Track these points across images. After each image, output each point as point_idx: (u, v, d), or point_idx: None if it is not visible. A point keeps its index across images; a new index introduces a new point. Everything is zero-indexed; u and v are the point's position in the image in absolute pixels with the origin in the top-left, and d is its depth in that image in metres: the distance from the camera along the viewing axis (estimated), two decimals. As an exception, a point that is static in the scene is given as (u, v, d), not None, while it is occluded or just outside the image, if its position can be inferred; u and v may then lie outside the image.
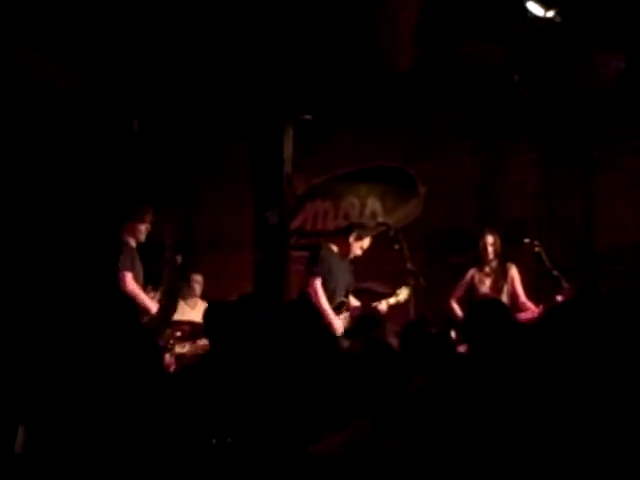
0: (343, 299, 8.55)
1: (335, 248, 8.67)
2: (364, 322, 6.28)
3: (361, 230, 8.82)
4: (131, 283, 7.96)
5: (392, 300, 8.74)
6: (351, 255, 8.67)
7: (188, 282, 9.38)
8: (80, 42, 8.52)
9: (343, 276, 8.62)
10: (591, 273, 10.31)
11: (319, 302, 8.35)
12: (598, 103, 9.50)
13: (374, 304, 8.69)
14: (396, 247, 8.86)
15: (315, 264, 8.51)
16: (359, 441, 3.11)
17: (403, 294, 8.75)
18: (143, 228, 8.23)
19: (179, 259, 8.73)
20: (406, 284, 8.75)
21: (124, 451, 3.61)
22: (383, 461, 3.02)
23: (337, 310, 8.41)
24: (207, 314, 5.68)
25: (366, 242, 8.71)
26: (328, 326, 8.18)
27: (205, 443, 4.23)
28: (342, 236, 8.77)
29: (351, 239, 8.65)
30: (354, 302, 8.71)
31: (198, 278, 9.55)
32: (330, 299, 8.42)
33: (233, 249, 10.63)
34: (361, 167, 10.98)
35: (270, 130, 10.22)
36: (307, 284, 8.49)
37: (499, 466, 3.14)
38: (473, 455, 3.22)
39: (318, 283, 8.40)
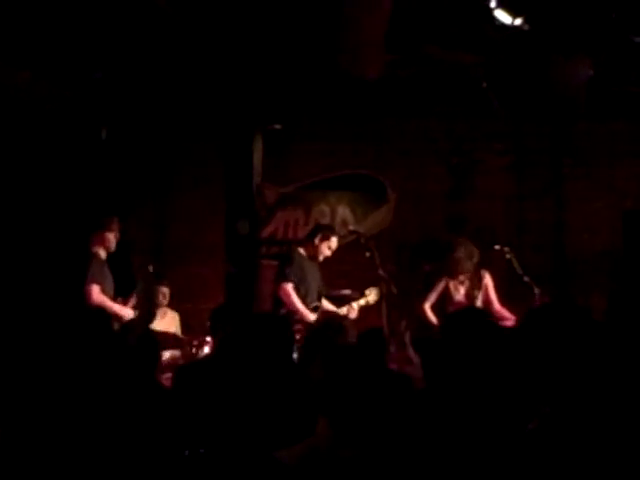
0: (317, 303, 8.53)
1: (304, 252, 8.65)
2: (324, 328, 6.25)
3: (326, 230, 8.81)
4: (98, 296, 7.86)
5: (362, 302, 8.73)
6: (320, 257, 8.65)
7: (155, 295, 9.30)
8: (48, 52, 8.46)
9: (314, 279, 8.60)
10: (563, 278, 10.35)
11: (293, 304, 8.33)
12: (567, 109, 9.54)
13: (345, 308, 8.67)
14: (367, 255, 8.85)
15: (285, 269, 8.50)
16: (318, 447, 3.09)
17: (372, 295, 8.74)
18: (111, 237, 8.15)
19: (151, 268, 8.65)
20: (375, 286, 8.74)
21: (103, 458, 3.58)
22: (338, 467, 3.00)
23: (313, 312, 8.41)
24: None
25: (334, 242, 8.69)
26: (305, 324, 8.13)
27: (178, 455, 4.20)
28: (309, 239, 8.76)
29: (317, 240, 8.63)
30: (329, 306, 8.68)
31: (164, 290, 9.48)
32: (304, 302, 8.39)
33: (205, 256, 10.58)
34: (331, 175, 10.96)
35: (240, 139, 10.21)
36: (278, 289, 8.47)
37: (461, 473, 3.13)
38: (434, 462, 3.20)
39: (290, 287, 8.39)
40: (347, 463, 3.02)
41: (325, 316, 8.22)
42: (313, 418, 3.21)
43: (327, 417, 3.13)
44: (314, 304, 8.52)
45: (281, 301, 8.46)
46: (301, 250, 8.70)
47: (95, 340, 5.26)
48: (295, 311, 8.29)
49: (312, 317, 8.32)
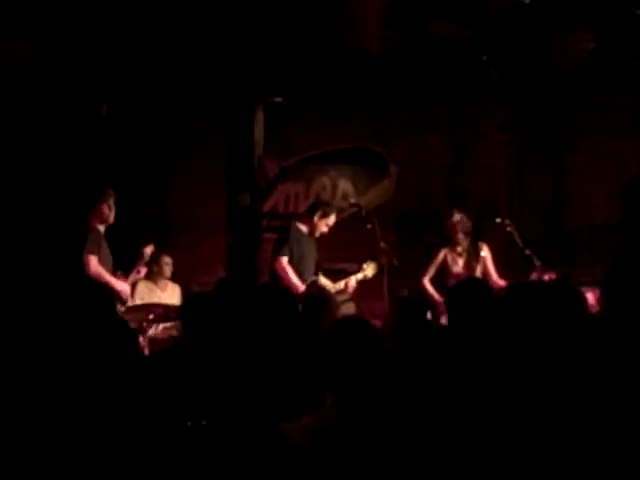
0: (314, 277, 8.56)
1: (303, 227, 8.68)
2: (309, 301, 6.29)
3: (325, 207, 8.83)
4: (95, 266, 7.86)
5: (360, 275, 8.76)
6: (317, 233, 8.68)
7: (157, 264, 9.31)
8: (47, 26, 8.45)
9: (311, 255, 8.64)
10: (563, 252, 10.37)
11: (289, 279, 8.37)
12: (568, 83, 9.54)
13: (342, 281, 8.69)
14: (369, 227, 8.88)
15: (282, 243, 8.54)
16: (327, 418, 3.12)
17: (370, 269, 8.77)
18: (106, 209, 8.13)
19: (149, 250, 8.62)
20: (373, 259, 8.77)
21: (100, 435, 3.59)
22: (349, 438, 3.03)
23: (311, 288, 8.42)
24: (184, 307, 5.68)
25: (332, 219, 8.72)
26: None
27: (180, 426, 4.22)
28: (308, 215, 8.78)
29: (316, 217, 8.66)
30: (325, 282, 8.71)
31: (167, 260, 9.47)
32: (300, 277, 8.43)
33: (205, 231, 10.59)
34: (332, 148, 10.95)
35: (241, 112, 10.20)
36: (274, 264, 8.52)
37: (469, 442, 3.15)
38: (443, 430, 3.23)
39: (285, 261, 8.44)
40: (355, 435, 3.04)
41: (308, 289, 8.27)
42: (321, 392, 3.23)
43: (335, 391, 3.16)
44: (311, 279, 8.56)
45: (277, 275, 8.51)
46: (299, 225, 8.73)
47: (96, 314, 5.26)
48: (290, 285, 8.31)
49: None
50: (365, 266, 8.80)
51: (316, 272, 8.69)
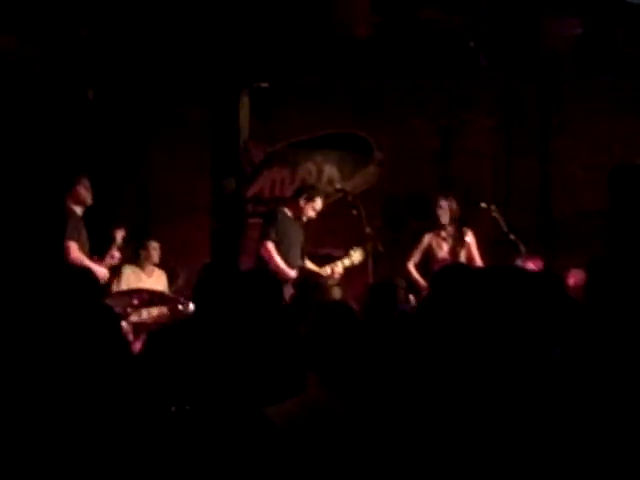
0: (300, 263, 8.54)
1: (289, 212, 8.66)
2: (302, 286, 6.29)
3: (311, 191, 8.81)
4: (75, 252, 7.83)
5: (346, 262, 8.74)
6: (304, 218, 8.66)
7: (144, 249, 9.28)
8: (33, 12, 8.40)
9: (298, 239, 8.62)
10: (548, 237, 10.38)
11: (275, 263, 8.35)
12: (556, 67, 9.53)
13: (328, 267, 8.68)
14: (354, 213, 8.87)
15: (268, 228, 8.51)
16: (309, 400, 3.10)
17: (357, 255, 8.75)
18: (82, 191, 8.09)
19: (120, 233, 8.55)
20: (359, 245, 8.76)
21: (86, 421, 3.58)
22: (332, 421, 3.02)
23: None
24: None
25: (318, 203, 8.69)
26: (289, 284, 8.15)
27: (164, 411, 4.21)
28: (294, 199, 8.76)
29: (301, 201, 8.64)
30: (311, 267, 8.69)
31: (154, 245, 9.44)
32: (286, 262, 8.41)
33: (190, 216, 10.55)
34: (318, 134, 10.93)
35: (226, 97, 10.17)
36: (260, 248, 8.49)
37: (449, 422, 3.15)
38: (424, 411, 3.23)
39: (270, 245, 8.41)
40: (339, 418, 3.03)
41: (302, 275, 8.24)
42: (302, 375, 3.22)
43: (317, 373, 3.15)
44: (298, 263, 8.54)
45: (263, 260, 8.48)
46: (285, 210, 8.70)
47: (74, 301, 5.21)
48: (277, 270, 8.29)
49: (293, 275, 8.33)
50: (352, 252, 8.78)
51: (302, 257, 8.67)
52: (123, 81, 10.17)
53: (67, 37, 8.87)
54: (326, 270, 8.65)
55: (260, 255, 8.52)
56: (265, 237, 8.50)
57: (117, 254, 8.46)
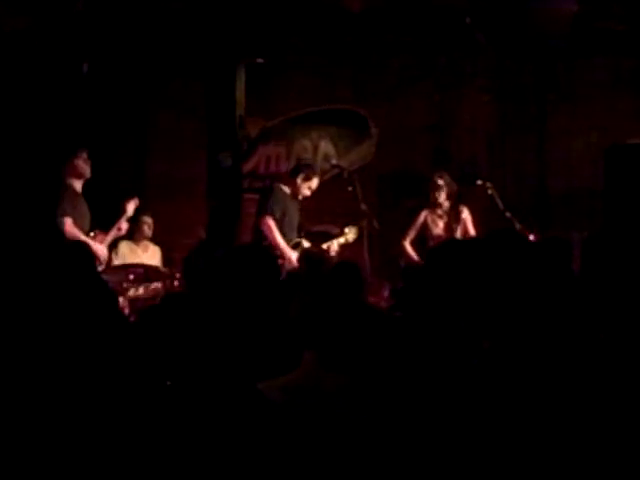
0: (298, 239, 8.56)
1: (286, 189, 8.67)
2: (308, 261, 6.31)
3: (309, 170, 8.82)
4: (70, 228, 7.79)
5: (341, 239, 8.76)
6: (300, 196, 8.67)
7: (138, 224, 9.25)
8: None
9: (295, 217, 8.64)
10: (544, 215, 10.40)
11: (274, 239, 8.37)
12: (552, 45, 9.52)
13: (324, 245, 8.69)
14: (350, 189, 8.88)
15: (268, 203, 8.52)
16: (304, 376, 3.13)
17: (352, 233, 8.77)
18: (81, 163, 8.05)
19: (132, 204, 8.54)
20: (354, 223, 8.77)
21: (83, 398, 3.59)
22: (325, 397, 3.04)
23: (294, 249, 8.43)
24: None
25: (314, 182, 8.71)
26: (286, 261, 8.17)
27: (160, 385, 4.22)
28: (291, 177, 8.77)
29: (299, 180, 8.66)
30: (306, 244, 8.71)
31: (147, 219, 9.42)
32: (284, 238, 8.42)
33: (186, 191, 10.54)
34: (313, 110, 10.91)
35: (222, 73, 10.13)
36: (260, 223, 8.50)
37: (444, 400, 3.17)
38: (417, 393, 3.24)
39: (271, 221, 8.42)
40: (332, 395, 3.05)
41: (305, 251, 8.26)
42: (298, 351, 3.24)
43: (313, 350, 3.16)
44: (295, 240, 8.55)
45: (262, 235, 8.49)
46: (282, 186, 8.71)
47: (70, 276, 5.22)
48: (276, 246, 8.31)
49: (292, 254, 8.34)
50: (347, 230, 8.80)
51: (299, 235, 8.68)
52: (118, 55, 10.13)
53: (63, 10, 8.83)
54: (322, 248, 8.67)
55: (259, 230, 8.53)
56: (265, 212, 8.50)
57: (125, 226, 8.44)
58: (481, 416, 2.96)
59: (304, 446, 2.94)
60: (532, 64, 10.54)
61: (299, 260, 7.61)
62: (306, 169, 8.86)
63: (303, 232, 8.75)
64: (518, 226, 8.51)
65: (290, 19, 9.40)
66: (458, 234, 8.80)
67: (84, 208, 8.06)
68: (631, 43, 9.53)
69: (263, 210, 8.56)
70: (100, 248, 8.00)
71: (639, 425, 2.85)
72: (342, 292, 4.90)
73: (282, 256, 8.21)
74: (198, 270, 5.67)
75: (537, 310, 3.21)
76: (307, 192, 8.68)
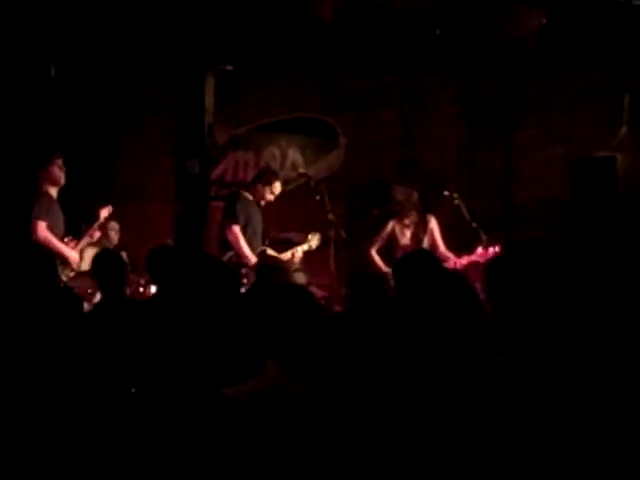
0: (263, 248, 8.55)
1: (250, 196, 8.66)
2: (263, 269, 6.32)
3: (270, 174, 8.84)
4: (43, 231, 7.76)
5: (305, 246, 8.76)
6: (263, 201, 8.67)
7: (104, 230, 9.23)
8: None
9: (259, 224, 8.64)
10: (510, 226, 10.45)
11: (239, 246, 8.37)
12: (520, 57, 9.57)
13: (289, 252, 8.69)
14: (317, 198, 8.88)
15: (232, 211, 8.52)
16: (267, 382, 3.12)
17: (315, 240, 8.78)
18: (56, 171, 8.02)
19: (106, 211, 8.53)
20: (317, 231, 8.79)
21: (45, 402, 3.57)
22: (288, 404, 3.04)
23: (261, 258, 8.41)
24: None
25: (277, 187, 8.72)
26: (251, 269, 8.16)
27: (124, 392, 4.21)
28: (253, 183, 8.79)
29: (259, 185, 8.66)
30: (271, 252, 8.70)
31: (114, 226, 9.44)
32: (250, 246, 8.41)
33: (153, 198, 10.52)
34: (282, 118, 10.93)
35: (191, 79, 10.12)
36: (225, 230, 8.49)
37: (406, 406, 3.18)
38: (383, 396, 3.25)
39: (237, 229, 8.42)
40: (296, 401, 3.05)
41: (263, 259, 8.24)
42: (262, 358, 3.23)
43: (276, 358, 3.16)
44: (260, 248, 8.55)
45: (227, 243, 8.48)
46: (246, 194, 8.71)
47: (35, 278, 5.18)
48: (240, 253, 8.32)
49: (254, 261, 8.34)
50: (310, 237, 8.81)
51: (264, 242, 8.68)
52: (87, 60, 10.10)
53: (31, 13, 8.78)
54: (287, 255, 8.67)
55: (225, 237, 8.52)
56: (231, 220, 8.50)
57: (97, 233, 8.44)
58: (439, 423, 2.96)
59: (268, 451, 2.94)
60: (500, 76, 10.61)
61: (255, 268, 7.60)
62: (267, 174, 8.88)
63: (267, 240, 8.74)
64: (484, 237, 8.55)
65: (260, 27, 9.39)
66: (425, 244, 8.83)
67: (59, 214, 8.03)
68: (598, 56, 9.60)
69: (228, 217, 8.55)
70: (73, 255, 8.00)
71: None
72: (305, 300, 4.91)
73: (247, 264, 8.21)
74: (165, 274, 5.67)
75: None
76: (270, 197, 8.69)
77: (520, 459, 2.65)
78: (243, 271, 8.05)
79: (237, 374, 3.37)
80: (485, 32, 9.27)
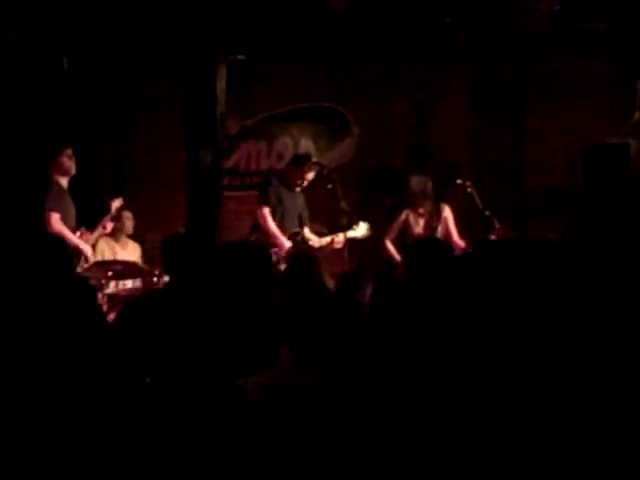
0: (297, 229, 8.55)
1: (283, 180, 8.68)
2: (298, 261, 6.28)
3: (308, 161, 8.82)
4: (57, 223, 7.77)
5: (350, 233, 8.69)
6: (297, 187, 8.65)
7: (118, 220, 9.26)
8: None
9: (294, 208, 8.63)
10: (522, 214, 10.44)
11: (267, 226, 8.42)
12: (531, 44, 9.54)
13: (329, 237, 8.66)
14: (329, 187, 8.88)
15: (265, 194, 8.57)
16: (282, 374, 3.13)
17: (363, 229, 8.73)
18: (66, 161, 8.02)
19: (117, 203, 8.56)
20: (366, 221, 8.78)
21: (59, 393, 3.58)
22: (303, 396, 3.05)
23: (291, 238, 8.42)
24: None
25: (307, 172, 8.69)
26: (278, 248, 8.20)
27: (139, 382, 4.22)
28: (290, 168, 8.79)
29: (290, 169, 8.75)
30: (310, 235, 8.70)
31: (128, 215, 9.43)
32: (280, 229, 8.43)
33: (165, 188, 10.55)
34: (294, 107, 10.93)
35: (203, 70, 10.12)
36: (257, 214, 8.58)
37: (422, 399, 3.18)
38: (399, 385, 3.25)
39: (266, 210, 8.45)
40: (310, 392, 3.06)
41: (295, 243, 8.28)
42: (276, 348, 3.24)
43: (290, 347, 3.17)
44: (294, 230, 8.54)
45: (258, 224, 8.54)
46: (276, 179, 8.74)
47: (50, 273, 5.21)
48: (268, 233, 8.37)
49: (285, 242, 8.36)
50: (361, 224, 8.75)
51: (300, 226, 8.66)
52: (99, 51, 10.11)
53: (43, 4, 8.79)
54: (326, 239, 8.65)
55: (256, 219, 8.58)
56: (262, 202, 8.56)
57: (110, 224, 8.48)
58: (472, 419, 2.97)
59: (281, 443, 2.95)
60: (510, 64, 10.58)
61: (286, 257, 7.63)
62: (298, 159, 8.91)
63: (309, 223, 8.74)
64: (497, 225, 8.55)
65: (271, 17, 9.39)
66: (439, 233, 8.83)
67: (70, 205, 8.03)
68: (609, 43, 9.57)
69: (260, 201, 8.60)
70: (86, 247, 8.02)
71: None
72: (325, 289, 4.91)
73: (275, 243, 8.24)
74: (177, 263, 5.68)
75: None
76: (301, 182, 8.67)
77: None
78: (273, 250, 8.01)
79: (251, 365, 3.39)
80: (496, 19, 9.25)
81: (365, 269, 6.47)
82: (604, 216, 8.64)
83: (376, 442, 2.99)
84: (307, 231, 8.72)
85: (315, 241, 8.66)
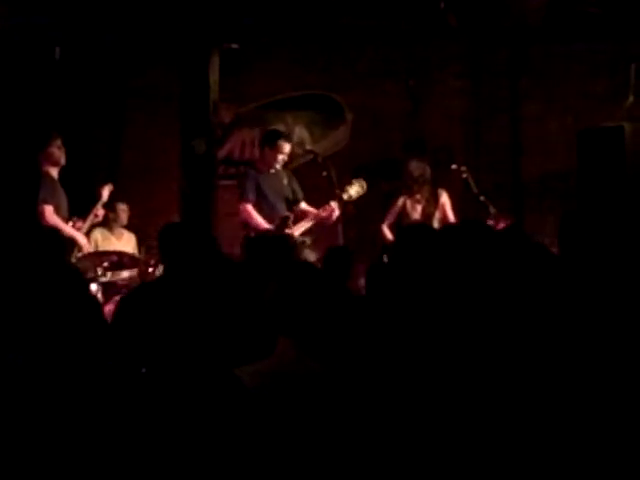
0: (286, 214, 8.47)
1: (261, 167, 8.61)
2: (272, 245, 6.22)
3: (272, 137, 8.70)
4: (51, 216, 7.76)
5: (345, 196, 8.60)
6: (277, 165, 8.53)
7: (113, 211, 9.26)
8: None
9: (280, 192, 8.56)
10: (518, 199, 10.44)
11: (252, 221, 8.37)
12: (526, 28, 9.52)
13: (323, 207, 8.57)
14: (324, 174, 8.83)
15: (243, 189, 8.51)
16: (279, 362, 3.11)
17: (355, 187, 8.64)
18: (56, 151, 8.00)
19: (107, 190, 8.53)
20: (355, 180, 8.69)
21: (55, 384, 3.57)
22: (301, 384, 3.03)
23: (283, 226, 8.33)
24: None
25: (285, 147, 8.56)
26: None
27: (135, 372, 4.21)
28: (260, 151, 8.74)
29: (266, 150, 8.60)
30: (307, 208, 8.65)
31: (123, 207, 9.45)
32: (270, 217, 8.37)
33: (159, 177, 10.52)
34: (288, 95, 10.90)
35: (196, 58, 10.07)
36: (239, 212, 8.48)
37: (418, 386, 3.17)
38: (394, 371, 3.24)
39: (248, 206, 8.40)
40: (309, 381, 3.04)
41: (271, 234, 8.17)
42: (273, 337, 3.22)
43: (289, 336, 3.15)
44: (284, 214, 8.46)
45: (245, 222, 8.49)
46: (257, 167, 8.68)
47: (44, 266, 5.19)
48: (258, 229, 8.31)
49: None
50: (347, 187, 8.65)
51: (289, 207, 8.59)
52: (91, 41, 10.07)
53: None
54: (321, 211, 8.56)
55: (242, 219, 8.53)
56: (241, 199, 8.50)
57: (101, 212, 8.46)
58: (456, 400, 2.95)
59: (279, 432, 2.93)
60: (505, 48, 10.56)
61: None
62: (268, 135, 8.81)
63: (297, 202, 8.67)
64: (492, 210, 8.53)
65: (264, 4, 9.36)
66: (436, 219, 8.83)
67: (62, 195, 8.03)
68: (606, 27, 9.55)
69: (239, 197, 8.55)
70: (81, 237, 8.01)
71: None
72: (330, 278, 4.88)
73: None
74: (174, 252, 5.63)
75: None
76: (281, 157, 8.55)
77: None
78: None
79: (248, 354, 3.37)
80: (491, 3, 9.23)
81: (356, 254, 6.47)
82: (599, 199, 8.64)
83: (375, 430, 2.98)
84: (304, 205, 8.65)
85: (312, 211, 8.58)
